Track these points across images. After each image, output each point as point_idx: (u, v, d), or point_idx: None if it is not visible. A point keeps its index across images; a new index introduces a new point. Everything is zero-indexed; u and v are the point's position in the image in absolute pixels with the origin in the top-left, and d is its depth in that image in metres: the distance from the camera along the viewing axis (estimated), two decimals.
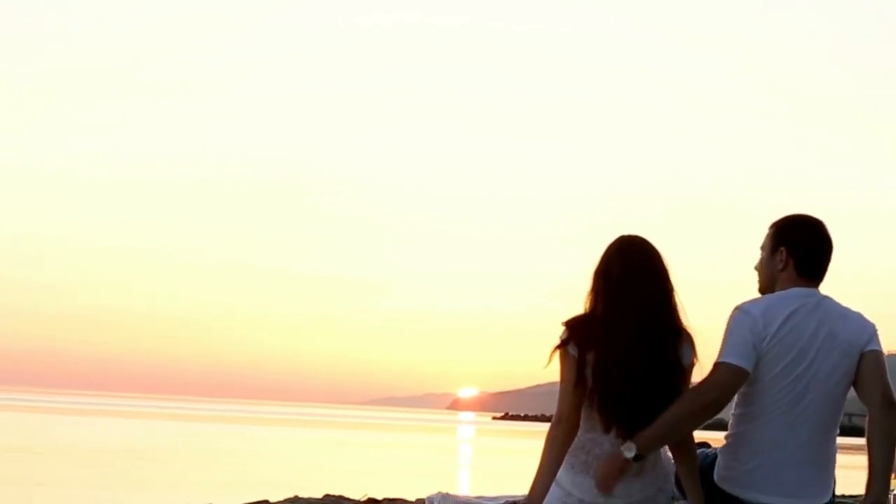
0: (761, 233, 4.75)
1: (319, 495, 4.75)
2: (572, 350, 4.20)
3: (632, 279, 4.27)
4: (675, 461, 4.40)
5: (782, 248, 4.49)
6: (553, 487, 4.42)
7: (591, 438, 4.30)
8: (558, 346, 4.21)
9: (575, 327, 4.23)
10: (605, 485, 4.17)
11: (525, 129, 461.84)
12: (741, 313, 4.38)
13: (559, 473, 4.38)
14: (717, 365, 4.30)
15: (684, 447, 4.38)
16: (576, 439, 4.37)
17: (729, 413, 4.56)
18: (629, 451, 4.15)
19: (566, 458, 4.37)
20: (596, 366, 4.23)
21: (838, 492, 4.74)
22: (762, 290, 4.58)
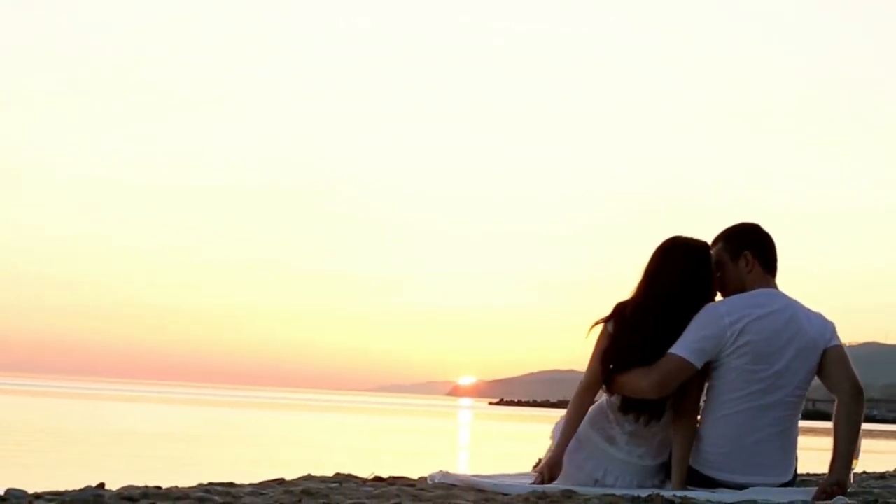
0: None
1: (330, 474, 4.76)
2: (610, 328, 4.44)
3: (666, 277, 4.43)
4: (674, 437, 4.46)
5: (746, 252, 4.55)
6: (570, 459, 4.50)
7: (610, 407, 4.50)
8: (599, 322, 4.46)
9: (619, 309, 4.45)
10: None
11: (525, 130, 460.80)
12: (709, 310, 4.44)
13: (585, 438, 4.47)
14: (668, 354, 4.36)
15: (686, 427, 4.45)
16: (603, 402, 4.50)
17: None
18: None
19: (591, 427, 4.47)
20: (618, 344, 4.42)
21: (803, 471, 4.78)
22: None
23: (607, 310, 4.51)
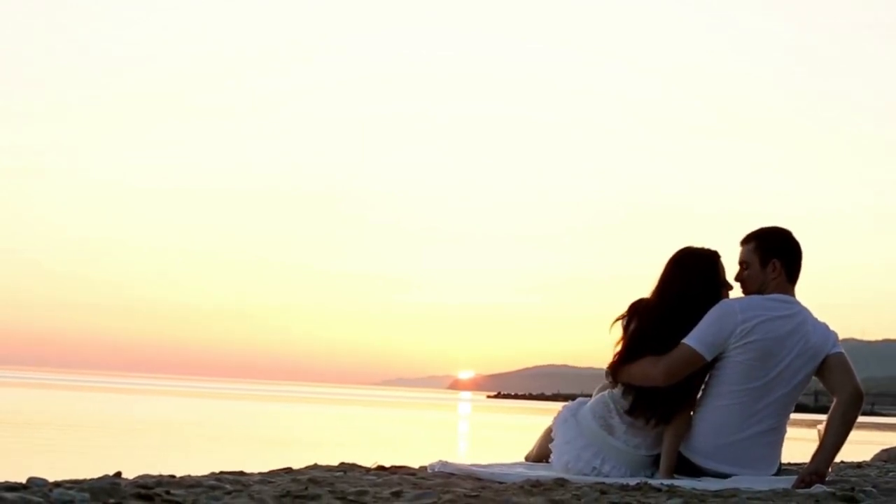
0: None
1: (336, 463, 4.75)
2: (625, 323, 4.51)
3: (678, 282, 4.46)
4: (668, 427, 4.46)
5: (774, 260, 4.53)
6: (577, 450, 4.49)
7: (616, 398, 4.52)
8: (618, 319, 4.53)
9: (636, 306, 4.51)
10: None
11: (523, 136, 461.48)
12: (723, 306, 4.44)
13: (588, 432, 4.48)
14: (680, 345, 4.36)
15: (681, 419, 4.46)
16: (606, 394, 4.49)
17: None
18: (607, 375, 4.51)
19: (592, 417, 4.51)
20: (631, 337, 4.46)
21: (782, 460, 4.77)
22: None
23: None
